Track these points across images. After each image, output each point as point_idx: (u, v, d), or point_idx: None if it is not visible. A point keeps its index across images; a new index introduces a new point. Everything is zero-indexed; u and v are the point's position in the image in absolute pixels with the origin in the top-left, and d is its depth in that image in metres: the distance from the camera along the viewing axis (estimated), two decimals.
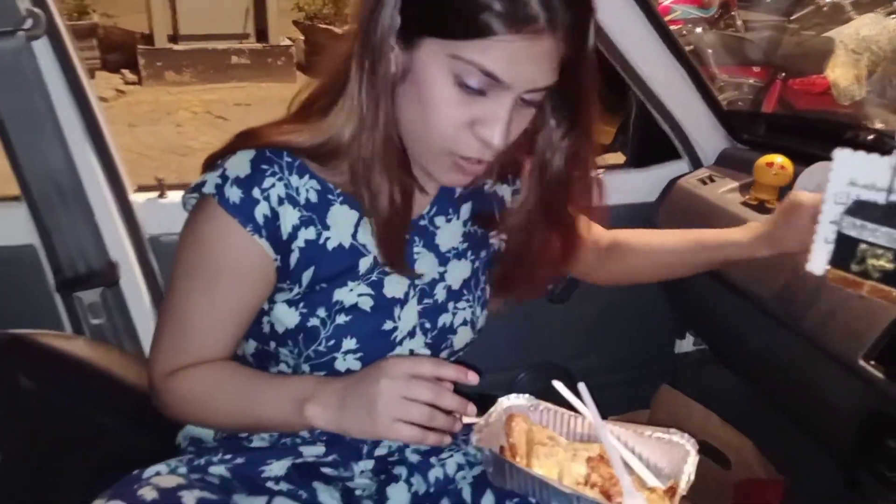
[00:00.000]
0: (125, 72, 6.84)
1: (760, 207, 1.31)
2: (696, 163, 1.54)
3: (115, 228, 1.25)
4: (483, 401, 1.01)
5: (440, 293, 0.92)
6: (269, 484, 0.85)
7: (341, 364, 0.85)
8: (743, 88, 4.19)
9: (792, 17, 4.48)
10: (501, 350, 1.55)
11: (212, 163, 0.83)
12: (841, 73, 3.40)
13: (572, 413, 0.89)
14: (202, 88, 6.93)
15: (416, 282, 0.90)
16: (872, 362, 0.95)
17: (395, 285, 0.88)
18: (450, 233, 0.93)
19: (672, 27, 1.45)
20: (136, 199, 1.29)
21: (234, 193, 0.78)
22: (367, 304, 0.86)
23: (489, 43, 0.69)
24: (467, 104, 0.73)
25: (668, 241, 1.10)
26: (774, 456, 1.44)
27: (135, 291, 1.29)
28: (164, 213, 1.29)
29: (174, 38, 6.98)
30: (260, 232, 0.79)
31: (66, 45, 1.13)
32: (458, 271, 0.94)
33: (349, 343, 0.85)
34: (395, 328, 0.88)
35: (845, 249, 0.62)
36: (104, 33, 7.00)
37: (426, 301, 0.91)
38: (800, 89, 3.94)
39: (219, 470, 0.84)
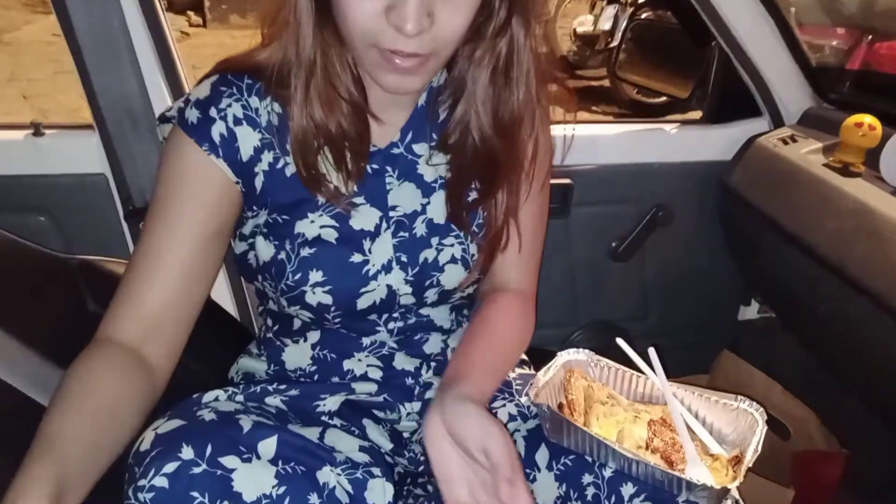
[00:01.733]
0: (191, 14, 6.90)
1: (845, 170, 1.24)
2: (777, 121, 1.46)
3: None
4: (538, 355, 1.00)
5: (420, 227, 0.88)
6: (324, 418, 0.86)
7: (311, 297, 0.84)
8: (825, 51, 3.97)
9: None
10: (557, 305, 1.53)
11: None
12: None
13: (634, 372, 0.87)
14: None
15: (391, 213, 0.87)
16: None
17: (363, 217, 0.85)
18: (432, 166, 0.89)
19: None
20: None
21: (192, 114, 0.80)
22: (331, 235, 0.84)
23: None
24: None
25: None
26: (838, 430, 1.39)
27: None
28: None
29: None
30: (217, 151, 0.80)
31: None
32: (444, 203, 0.89)
33: (316, 276, 0.83)
34: (367, 261, 0.85)
35: None
36: None
37: (402, 234, 0.87)
38: (887, 53, 3.72)
39: (274, 401, 0.85)
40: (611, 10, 5.17)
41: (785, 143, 1.38)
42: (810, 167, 1.28)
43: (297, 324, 0.92)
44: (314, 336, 0.92)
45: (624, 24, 4.59)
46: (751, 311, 1.67)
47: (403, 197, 0.88)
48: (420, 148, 0.88)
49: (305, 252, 0.83)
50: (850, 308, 1.15)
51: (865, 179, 1.21)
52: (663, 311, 1.62)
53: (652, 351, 0.83)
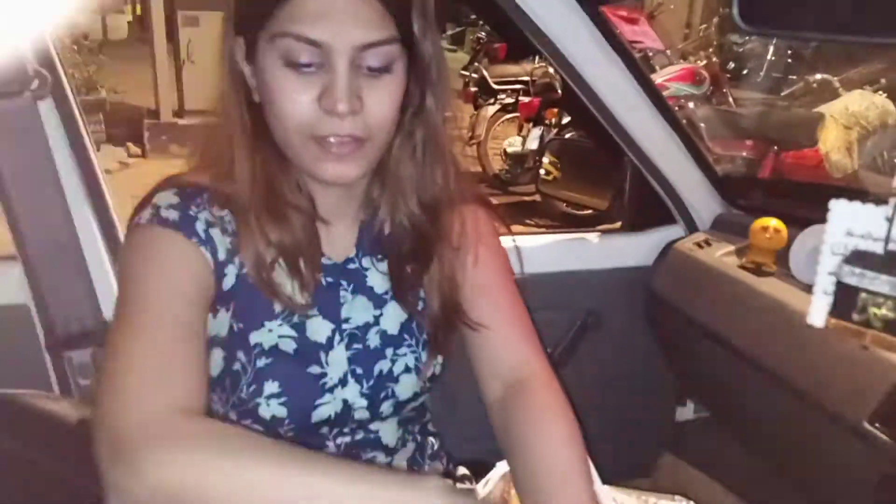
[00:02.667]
0: (129, 145, 6.95)
1: (758, 271, 1.31)
2: (691, 227, 1.55)
3: (111, 287, 1.24)
4: (480, 468, 0.99)
5: (373, 339, 0.89)
6: None
7: (265, 410, 0.82)
8: (737, 161, 4.26)
9: (782, 94, 4.60)
10: None
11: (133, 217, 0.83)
12: (833, 147, 3.48)
13: None
14: None
15: (344, 326, 0.88)
16: (878, 425, 0.93)
17: (317, 328, 0.86)
18: (380, 273, 0.91)
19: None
20: None
21: (171, 214, 0.79)
22: (289, 346, 0.84)
23: (293, 7, 0.72)
24: (307, 83, 0.74)
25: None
26: None
27: None
28: None
29: (179, 113, 7.13)
30: (203, 244, 0.79)
31: (70, 106, 1.15)
32: (396, 314, 0.91)
33: (271, 387, 0.82)
34: (324, 374, 0.85)
35: (845, 299, 0.61)
36: (111, 108, 7.15)
37: (356, 346, 0.88)
38: (793, 162, 4.02)
39: None
40: (537, 132, 5.46)
41: (700, 247, 1.46)
42: (726, 269, 1.35)
43: None
44: None
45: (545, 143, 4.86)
46: (687, 412, 1.69)
47: (356, 309, 0.89)
48: (367, 261, 0.91)
49: (262, 363, 0.82)
50: (777, 404, 1.18)
51: (778, 278, 1.28)
52: (600, 415, 1.62)
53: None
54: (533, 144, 5.47)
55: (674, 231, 1.55)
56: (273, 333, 0.83)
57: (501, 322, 0.92)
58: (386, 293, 0.91)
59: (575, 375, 1.56)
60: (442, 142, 0.87)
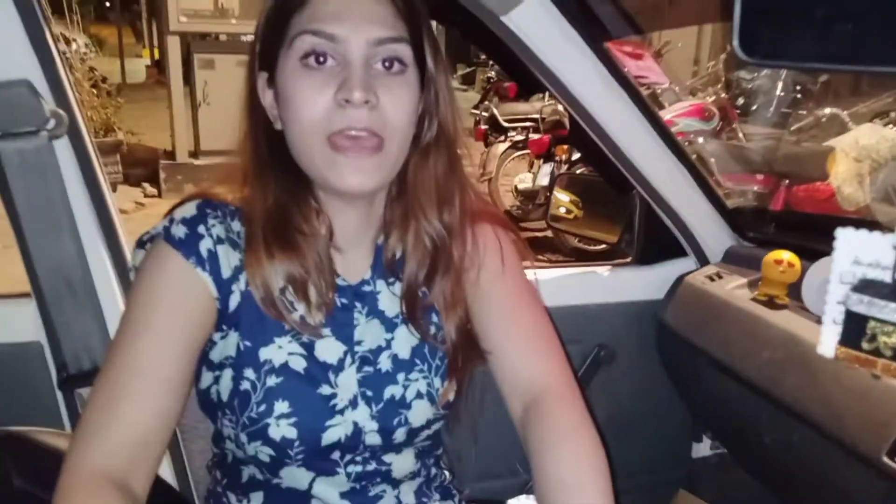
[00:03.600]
0: (146, 185, 7.06)
1: (771, 303, 1.30)
2: (702, 260, 1.54)
3: None
4: None
5: (385, 362, 0.89)
6: None
7: (275, 431, 0.82)
8: (748, 195, 4.25)
9: (792, 128, 4.61)
10: (511, 454, 1.50)
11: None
12: (844, 179, 3.47)
13: None
14: None
15: (356, 348, 0.88)
16: None
17: (329, 349, 0.86)
18: (392, 296, 0.91)
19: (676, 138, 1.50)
20: None
21: (179, 230, 0.82)
22: (298, 364, 0.84)
23: (311, 10, 0.77)
24: (324, 81, 0.77)
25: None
26: None
27: None
28: None
29: (195, 154, 7.24)
30: (203, 265, 0.81)
31: (86, 146, 1.17)
32: (408, 338, 0.91)
33: (281, 406, 0.82)
34: (335, 395, 0.85)
35: (855, 328, 0.61)
36: (128, 149, 7.28)
37: (367, 369, 0.88)
38: (804, 196, 4.00)
39: None
40: (547, 168, 5.49)
41: (712, 279, 1.45)
42: (738, 302, 1.34)
43: (245, 476, 0.89)
44: (257, 498, 0.89)
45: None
46: (703, 448, 1.66)
47: (369, 332, 0.89)
48: (381, 284, 0.91)
49: (272, 381, 0.82)
50: (792, 437, 1.16)
51: (791, 311, 1.26)
52: (615, 452, 1.58)
53: None
54: (543, 181, 5.50)
55: (685, 264, 1.55)
56: (283, 350, 0.84)
57: (517, 337, 0.91)
58: (397, 317, 0.91)
59: (588, 412, 1.55)
60: (457, 163, 0.90)
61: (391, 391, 0.88)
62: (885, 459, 0.91)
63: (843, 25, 0.57)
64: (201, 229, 0.82)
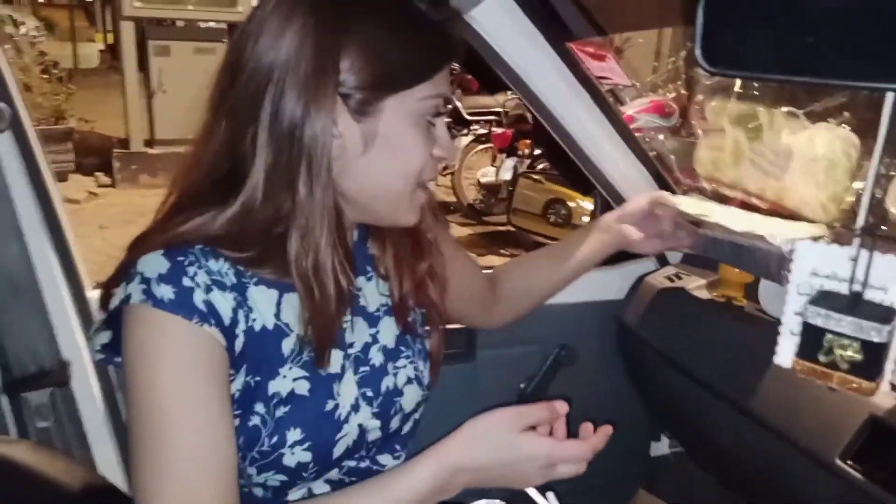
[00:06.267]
0: (99, 175, 6.87)
1: (728, 304, 1.31)
2: (662, 261, 1.55)
3: (70, 326, 1.21)
4: None
5: (376, 356, 0.90)
6: None
7: (289, 459, 0.80)
8: (706, 192, 4.32)
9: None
10: None
11: (112, 285, 0.78)
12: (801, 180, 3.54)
13: None
14: None
15: (349, 351, 0.87)
16: (850, 462, 0.92)
17: (331, 360, 0.85)
18: (371, 291, 0.92)
19: (635, 135, 1.50)
20: (94, 296, 1.26)
21: (165, 291, 0.73)
22: (303, 387, 0.82)
23: (444, 72, 0.80)
24: (430, 138, 0.82)
25: (532, 263, 1.27)
26: None
27: (86, 393, 1.23)
28: None
29: (150, 143, 7.07)
30: (207, 320, 0.74)
31: (29, 141, 1.13)
32: (390, 328, 0.93)
33: (294, 434, 0.80)
34: (337, 405, 0.84)
35: (812, 340, 0.61)
36: (80, 137, 7.07)
37: (362, 369, 0.88)
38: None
39: None
40: (510, 162, 5.50)
41: (671, 280, 1.46)
42: (696, 302, 1.35)
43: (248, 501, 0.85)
44: None
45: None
46: (662, 447, 1.68)
47: (357, 332, 0.89)
48: (359, 281, 0.91)
49: (281, 412, 0.80)
50: (749, 439, 1.18)
51: (748, 311, 1.28)
52: None
53: (551, 495, 0.82)
54: (506, 175, 5.51)
55: (645, 264, 1.56)
56: (287, 379, 0.81)
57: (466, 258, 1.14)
58: (378, 310, 0.92)
59: None
60: None
61: (386, 383, 0.90)
62: (839, 462, 0.93)
63: (803, 38, 0.57)
64: (186, 282, 0.74)
